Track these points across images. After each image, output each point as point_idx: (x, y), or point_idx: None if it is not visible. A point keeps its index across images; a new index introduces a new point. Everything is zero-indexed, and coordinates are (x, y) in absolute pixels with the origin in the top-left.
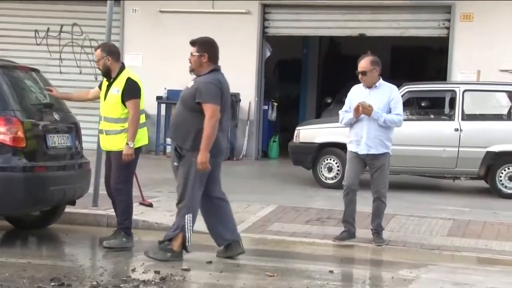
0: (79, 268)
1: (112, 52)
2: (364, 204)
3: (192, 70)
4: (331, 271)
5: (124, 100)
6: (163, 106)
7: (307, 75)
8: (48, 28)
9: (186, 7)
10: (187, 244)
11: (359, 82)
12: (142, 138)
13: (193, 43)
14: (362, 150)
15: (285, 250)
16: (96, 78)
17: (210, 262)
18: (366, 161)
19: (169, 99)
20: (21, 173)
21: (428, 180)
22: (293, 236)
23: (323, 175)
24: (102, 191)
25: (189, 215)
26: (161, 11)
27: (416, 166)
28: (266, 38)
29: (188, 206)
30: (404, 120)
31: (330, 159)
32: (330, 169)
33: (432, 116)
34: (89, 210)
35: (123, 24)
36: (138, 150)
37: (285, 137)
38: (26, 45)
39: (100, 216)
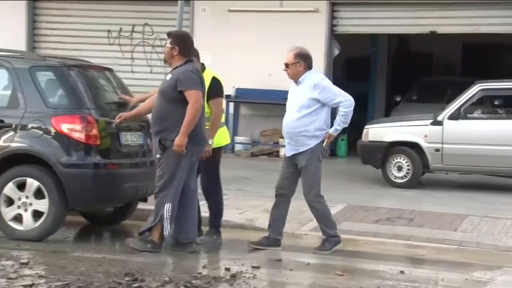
0: (151, 263)
1: (195, 53)
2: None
3: (165, 61)
4: (402, 272)
5: (208, 99)
6: (231, 104)
7: (376, 73)
8: (121, 28)
9: (255, 6)
10: (165, 233)
11: (430, 79)
12: (225, 137)
13: (168, 34)
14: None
15: (354, 249)
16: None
17: (279, 260)
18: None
19: (238, 97)
20: (95, 170)
21: (502, 180)
22: (362, 235)
23: (392, 174)
24: None
25: (168, 204)
26: (229, 10)
27: (489, 165)
28: (334, 36)
29: (170, 196)
30: (476, 119)
31: (400, 158)
32: (399, 168)
33: (505, 114)
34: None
35: (192, 23)
36: (220, 149)
37: (353, 136)
38: (99, 45)
39: None
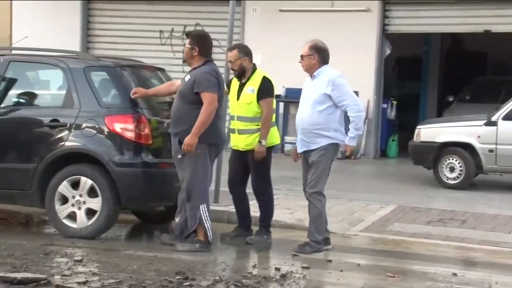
0: (202, 262)
1: (248, 52)
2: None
3: (184, 61)
4: (455, 274)
5: (259, 99)
6: (281, 104)
7: (428, 73)
8: (172, 29)
9: (306, 5)
10: (209, 233)
11: (483, 79)
12: (275, 137)
13: (187, 34)
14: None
15: (405, 251)
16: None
17: (330, 261)
18: None
19: (288, 97)
20: (147, 169)
21: None
22: (413, 236)
23: (444, 175)
24: (223, 187)
25: (203, 205)
26: (280, 10)
27: None
28: (385, 35)
29: (201, 197)
30: None
31: (452, 159)
32: (452, 169)
33: None
34: (211, 207)
35: (243, 23)
36: (271, 149)
37: (404, 136)
38: (152, 45)
39: (221, 212)
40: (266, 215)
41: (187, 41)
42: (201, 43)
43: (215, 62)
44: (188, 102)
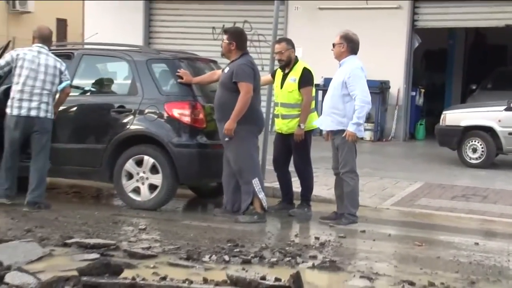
0: (250, 232)
1: (293, 45)
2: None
3: (223, 55)
4: (477, 243)
5: (300, 87)
6: (320, 92)
7: (453, 64)
8: (223, 25)
9: (342, 4)
10: (264, 204)
11: (504, 69)
12: (313, 121)
13: (225, 31)
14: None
15: (432, 222)
16: (262, 68)
17: (363, 231)
18: None
19: (325, 86)
20: (201, 150)
21: None
22: (439, 210)
23: (467, 155)
24: (269, 166)
25: (255, 179)
26: (319, 8)
27: None
28: (415, 30)
29: (253, 172)
30: None
31: (475, 141)
32: (474, 150)
33: None
34: None
35: (286, 20)
36: (311, 132)
37: (430, 121)
38: (205, 40)
39: (267, 188)
40: (307, 191)
41: (225, 37)
42: (237, 38)
43: (261, 54)
44: (228, 91)
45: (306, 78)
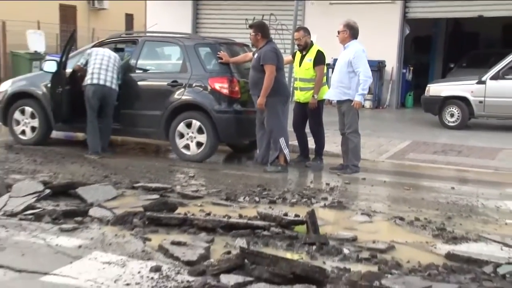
0: (275, 179)
1: (309, 32)
2: (479, 140)
3: (252, 45)
4: (453, 188)
5: (314, 65)
6: (330, 70)
7: (436, 47)
8: (254, 17)
9: None
10: (288, 159)
11: (477, 51)
12: (325, 93)
13: (250, 26)
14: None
15: (418, 172)
16: (284, 51)
17: (364, 179)
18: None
19: (334, 65)
20: (237, 115)
21: None
22: (423, 162)
23: (446, 119)
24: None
25: (281, 139)
26: (330, 3)
27: None
28: (406, 20)
29: (280, 133)
30: (509, 78)
31: (452, 108)
32: (452, 115)
33: None
34: None
35: (304, 12)
36: (322, 101)
37: (417, 93)
38: (240, 29)
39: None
40: (320, 147)
41: (251, 30)
42: (261, 29)
43: (283, 40)
44: (258, 72)
45: (319, 59)
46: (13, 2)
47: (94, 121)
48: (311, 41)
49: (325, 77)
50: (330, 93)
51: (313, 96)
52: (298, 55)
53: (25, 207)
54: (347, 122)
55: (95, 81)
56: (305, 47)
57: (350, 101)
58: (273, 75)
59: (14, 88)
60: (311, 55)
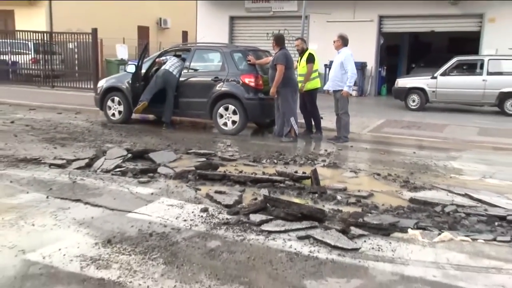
0: (288, 147)
1: (305, 41)
2: (432, 118)
3: (272, 49)
4: (414, 152)
5: (306, 63)
6: (327, 69)
7: (402, 53)
8: (273, 32)
9: (340, 18)
10: (297, 133)
11: (431, 55)
12: (317, 83)
13: (273, 37)
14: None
15: (390, 141)
16: (295, 56)
17: (352, 146)
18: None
19: (328, 66)
20: (260, 101)
21: (468, 107)
22: (394, 134)
23: (410, 104)
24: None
25: (292, 118)
26: (327, 21)
27: (461, 99)
28: (381, 33)
29: (289, 113)
30: (454, 75)
31: (414, 95)
32: (413, 101)
33: (468, 73)
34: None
35: (309, 28)
36: (315, 91)
37: (389, 85)
38: (263, 40)
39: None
40: (318, 124)
41: (272, 39)
42: (277, 40)
43: (294, 48)
44: (273, 70)
45: (309, 58)
46: (108, 25)
47: (171, 99)
48: (307, 47)
49: (317, 72)
50: (328, 85)
51: (302, 85)
52: (299, 58)
53: (115, 166)
54: (340, 106)
55: (166, 68)
56: (302, 52)
57: (342, 91)
58: (281, 72)
59: (107, 84)
60: (305, 56)
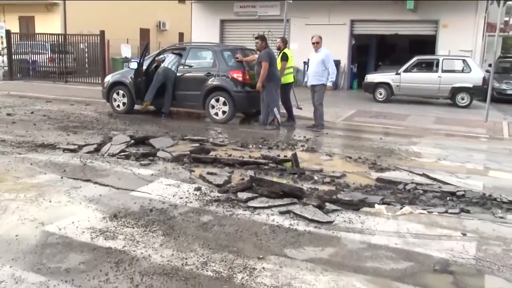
0: (272, 134)
1: (285, 41)
2: (397, 109)
3: (258, 50)
4: (381, 138)
5: (281, 60)
6: (306, 66)
7: (371, 52)
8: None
9: (317, 21)
10: (279, 121)
11: (395, 55)
12: (290, 78)
13: (256, 37)
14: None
15: (360, 129)
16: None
17: (327, 133)
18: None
19: (307, 63)
20: (247, 93)
21: (427, 100)
22: (364, 123)
23: (377, 97)
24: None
25: (275, 108)
26: (306, 24)
27: (420, 93)
28: (352, 35)
29: (273, 105)
30: (415, 72)
31: (381, 89)
32: (380, 94)
33: (427, 70)
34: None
35: (290, 30)
36: (289, 85)
37: (360, 80)
38: (249, 40)
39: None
40: (290, 114)
41: (257, 40)
42: (263, 40)
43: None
44: (259, 66)
45: (282, 57)
46: (114, 27)
47: (170, 92)
48: (284, 46)
49: (291, 69)
50: (310, 80)
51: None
52: (278, 56)
53: (120, 150)
54: (317, 98)
55: (165, 65)
56: (279, 50)
57: (322, 84)
58: (266, 68)
59: (113, 79)
60: (281, 54)
